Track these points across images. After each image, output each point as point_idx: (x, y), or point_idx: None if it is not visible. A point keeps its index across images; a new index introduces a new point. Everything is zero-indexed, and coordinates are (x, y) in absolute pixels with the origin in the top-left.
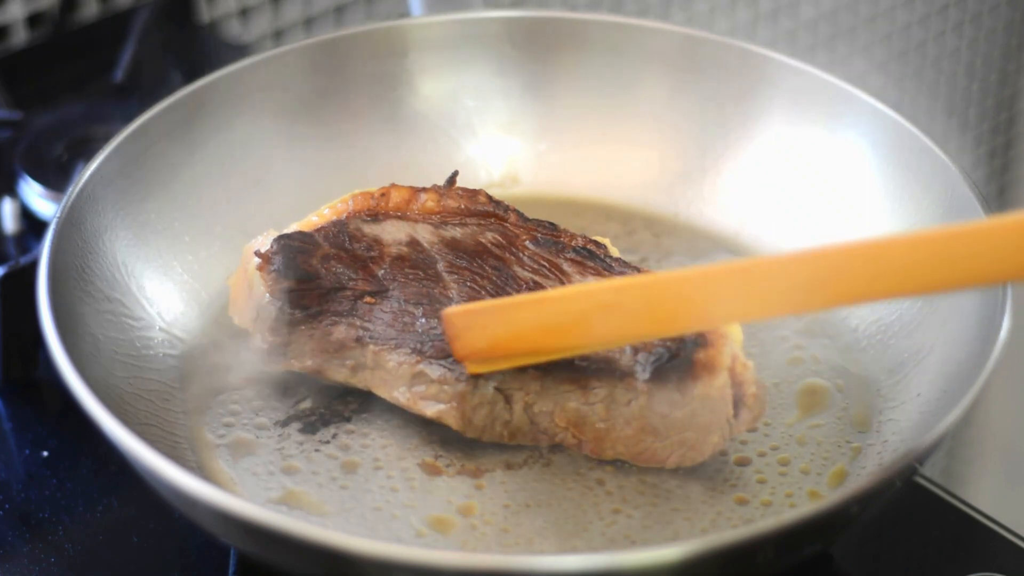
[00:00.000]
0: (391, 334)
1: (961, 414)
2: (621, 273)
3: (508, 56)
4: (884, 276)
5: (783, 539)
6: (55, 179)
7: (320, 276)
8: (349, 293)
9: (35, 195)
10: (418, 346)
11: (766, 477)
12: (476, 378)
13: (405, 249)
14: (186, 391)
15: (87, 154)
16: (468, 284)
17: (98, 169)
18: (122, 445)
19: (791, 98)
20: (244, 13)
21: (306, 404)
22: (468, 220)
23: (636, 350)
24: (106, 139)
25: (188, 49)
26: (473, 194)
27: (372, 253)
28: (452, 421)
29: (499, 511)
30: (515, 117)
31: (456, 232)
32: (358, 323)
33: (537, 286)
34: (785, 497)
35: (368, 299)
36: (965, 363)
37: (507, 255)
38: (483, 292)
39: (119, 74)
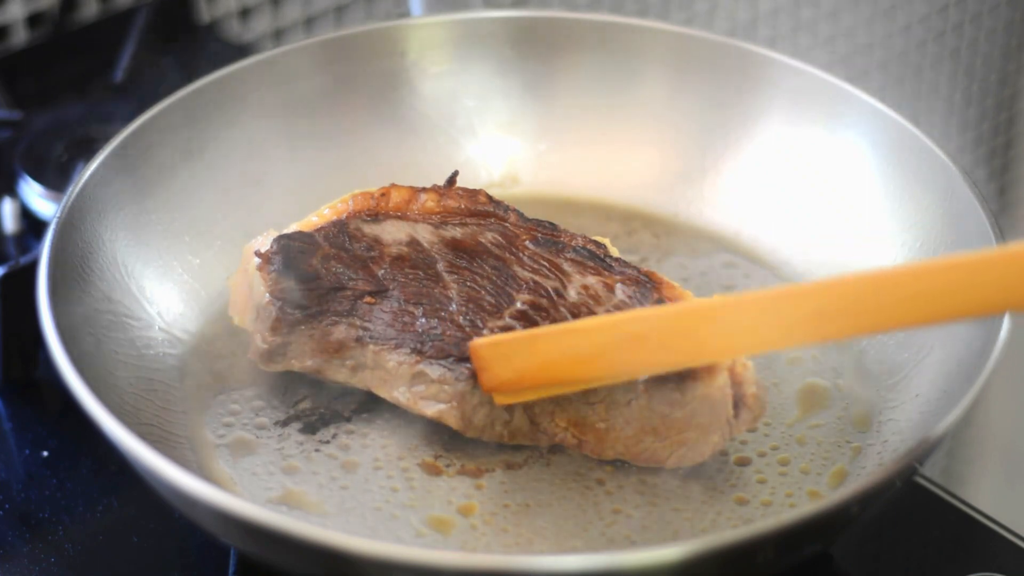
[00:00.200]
0: (391, 334)
1: (961, 414)
2: (621, 273)
3: (508, 56)
4: (915, 303)
5: (783, 539)
6: (55, 179)
7: (320, 276)
8: (349, 293)
9: (35, 195)
10: (418, 346)
11: (766, 477)
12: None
13: (405, 249)
14: (186, 391)
15: (87, 154)
16: (468, 284)
17: (98, 169)
18: (122, 445)
19: (791, 98)
20: (244, 13)
21: (306, 404)
22: (468, 220)
23: None
24: (106, 139)
25: (188, 49)
26: (473, 194)
27: (372, 253)
28: (452, 421)
29: (499, 511)
30: (515, 117)
31: (456, 232)
32: (358, 323)
33: (537, 286)
34: (785, 497)
35: (368, 299)
36: (965, 363)
37: (507, 255)
38: (483, 292)
39: (119, 74)
